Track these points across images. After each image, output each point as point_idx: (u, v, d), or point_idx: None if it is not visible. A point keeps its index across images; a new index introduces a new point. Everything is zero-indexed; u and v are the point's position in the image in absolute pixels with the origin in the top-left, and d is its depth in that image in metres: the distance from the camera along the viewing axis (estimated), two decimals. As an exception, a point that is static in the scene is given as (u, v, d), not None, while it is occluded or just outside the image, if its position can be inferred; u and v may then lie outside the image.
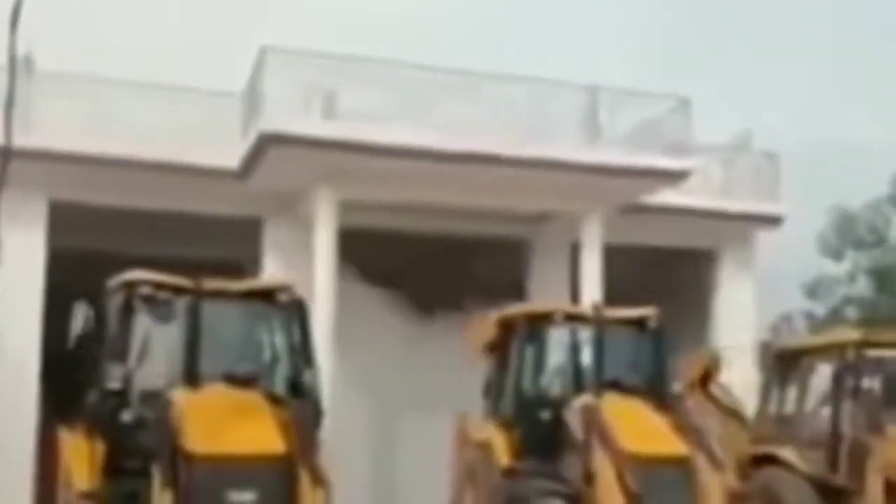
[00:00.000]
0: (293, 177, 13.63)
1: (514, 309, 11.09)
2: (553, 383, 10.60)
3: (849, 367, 10.30)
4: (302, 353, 8.40)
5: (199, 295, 8.18)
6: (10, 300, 13.31)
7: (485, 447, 10.36)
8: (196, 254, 12.92)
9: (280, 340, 8.55)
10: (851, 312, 28.43)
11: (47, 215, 13.88)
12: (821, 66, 37.40)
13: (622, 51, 32.40)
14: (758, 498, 10.12)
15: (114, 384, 7.95)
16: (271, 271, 14.28)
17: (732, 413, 11.67)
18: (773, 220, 17.10)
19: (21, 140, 11.04)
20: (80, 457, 8.03)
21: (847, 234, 29.27)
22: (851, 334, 10.89)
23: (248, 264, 14.67)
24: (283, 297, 8.40)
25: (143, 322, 8.16)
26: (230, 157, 13.72)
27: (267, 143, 12.94)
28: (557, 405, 10.08)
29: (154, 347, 8.14)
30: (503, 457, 10.09)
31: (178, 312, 8.14)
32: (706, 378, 11.80)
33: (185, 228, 14.19)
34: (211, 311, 8.20)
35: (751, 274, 17.34)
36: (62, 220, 13.79)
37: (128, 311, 8.18)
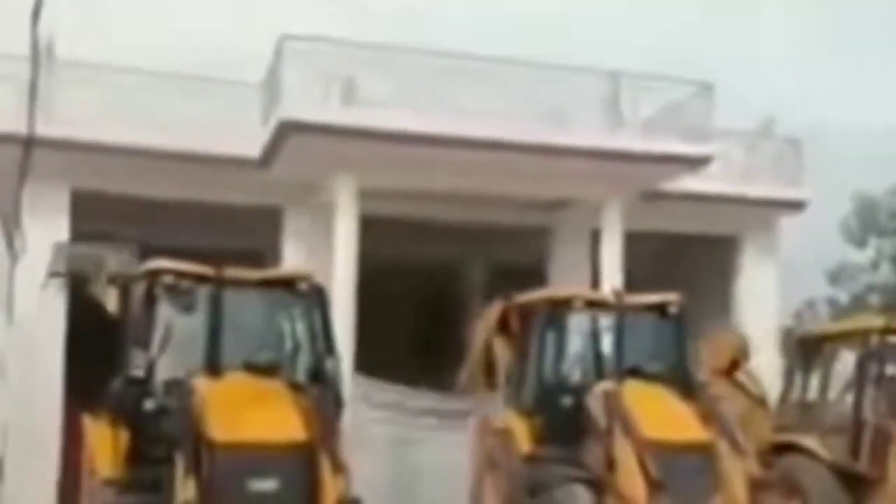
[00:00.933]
0: (313, 165, 13.65)
1: (535, 295, 11.10)
2: (574, 370, 10.59)
3: (872, 354, 10.22)
4: (323, 341, 8.44)
5: (220, 284, 8.22)
6: (34, 289, 13.42)
7: (505, 434, 10.37)
8: (216, 243, 12.96)
9: (301, 329, 8.60)
10: (874, 299, 28.26)
11: (70, 204, 13.96)
12: (844, 51, 37.08)
13: (644, 37, 32.22)
14: (779, 485, 10.07)
15: (137, 372, 8.01)
16: (291, 260, 14.31)
17: (758, 400, 11.61)
18: (795, 206, 16.96)
19: (43, 129, 11.16)
20: (104, 444, 8.10)
21: (870, 221, 29.06)
22: (875, 321, 10.80)
23: (268, 253, 14.71)
24: (303, 286, 8.44)
25: (165, 310, 8.21)
26: (251, 146, 13.75)
27: (286, 132, 12.95)
28: (578, 392, 10.08)
29: (176, 336, 8.17)
30: (524, 444, 10.10)
31: (199, 301, 8.18)
32: (734, 365, 11.75)
33: (206, 217, 14.24)
34: (232, 300, 8.24)
35: (773, 260, 17.22)
36: (84, 209, 13.87)
37: (150, 299, 8.23)
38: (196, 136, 13.59)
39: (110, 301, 9.05)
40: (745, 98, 19.44)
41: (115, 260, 9.46)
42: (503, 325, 10.99)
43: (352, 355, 12.61)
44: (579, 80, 14.33)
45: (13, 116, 11.07)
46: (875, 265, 29.43)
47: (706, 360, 11.53)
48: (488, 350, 11.02)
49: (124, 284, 8.76)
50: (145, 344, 8.11)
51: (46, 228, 13.50)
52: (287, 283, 8.59)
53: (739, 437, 10.14)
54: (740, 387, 11.72)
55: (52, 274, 11.02)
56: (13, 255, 13.09)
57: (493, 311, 11.11)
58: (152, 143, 13.35)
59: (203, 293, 8.18)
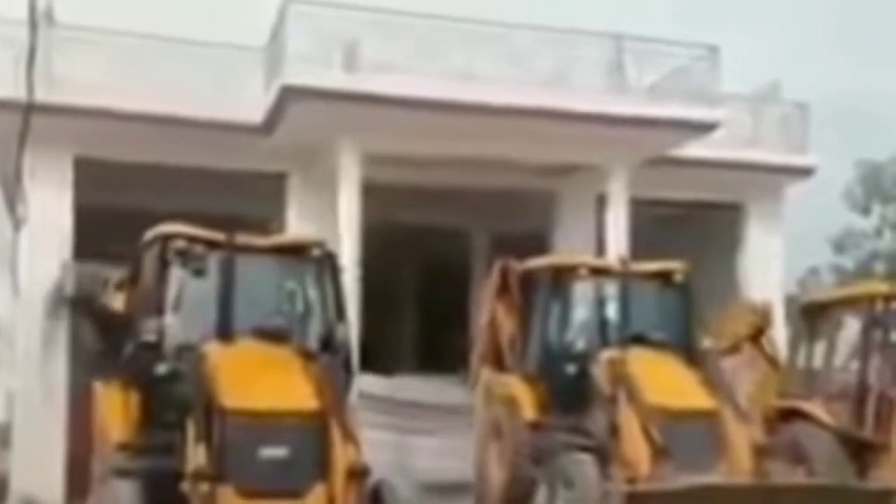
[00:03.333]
0: (316, 131, 13.56)
1: (539, 262, 11.05)
2: (578, 337, 10.57)
3: (876, 321, 10.21)
4: (334, 308, 8.41)
5: (232, 249, 8.17)
6: (38, 257, 13.40)
7: (510, 402, 10.37)
8: (220, 209, 12.92)
9: (312, 295, 8.54)
10: (879, 267, 28.22)
11: (73, 171, 13.90)
12: (848, 18, 36.68)
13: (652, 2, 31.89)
14: (784, 452, 10.09)
15: (149, 337, 7.98)
16: (295, 226, 14.26)
17: (778, 367, 11.62)
18: (802, 172, 16.85)
19: (44, 96, 11.05)
20: (116, 409, 8.10)
21: (874, 188, 28.95)
22: (879, 287, 10.79)
23: (272, 219, 14.67)
24: (315, 252, 8.40)
25: (177, 275, 8.14)
26: (254, 111, 13.67)
27: (289, 97, 12.86)
28: (583, 359, 10.06)
29: (188, 301, 8.12)
30: (528, 411, 10.11)
31: (211, 266, 8.12)
32: (758, 332, 11.75)
33: (209, 183, 14.17)
34: (244, 266, 8.19)
35: (779, 227, 17.14)
36: (87, 175, 13.81)
37: (162, 264, 8.18)
38: (199, 101, 13.48)
39: (118, 303, 9.04)
40: (748, 63, 19.27)
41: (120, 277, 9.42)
42: (503, 290, 10.95)
43: (356, 322, 12.59)
44: (583, 43, 14.19)
45: (12, 82, 10.97)
46: (879, 232, 29.37)
47: (727, 327, 11.53)
48: (493, 321, 10.98)
49: (136, 253, 8.72)
50: (157, 308, 8.08)
51: (49, 196, 13.47)
52: (299, 250, 8.52)
53: (742, 404, 10.15)
54: (766, 353, 11.73)
55: (59, 299, 11.04)
56: (16, 222, 13.04)
57: (493, 276, 11.06)
58: (155, 109, 13.25)
59: (215, 259, 8.13)
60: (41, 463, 12.78)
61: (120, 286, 9.15)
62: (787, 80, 17.25)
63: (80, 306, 12.20)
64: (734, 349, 11.58)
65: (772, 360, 11.63)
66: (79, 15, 13.54)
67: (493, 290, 11.03)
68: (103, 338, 9.50)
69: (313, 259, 8.43)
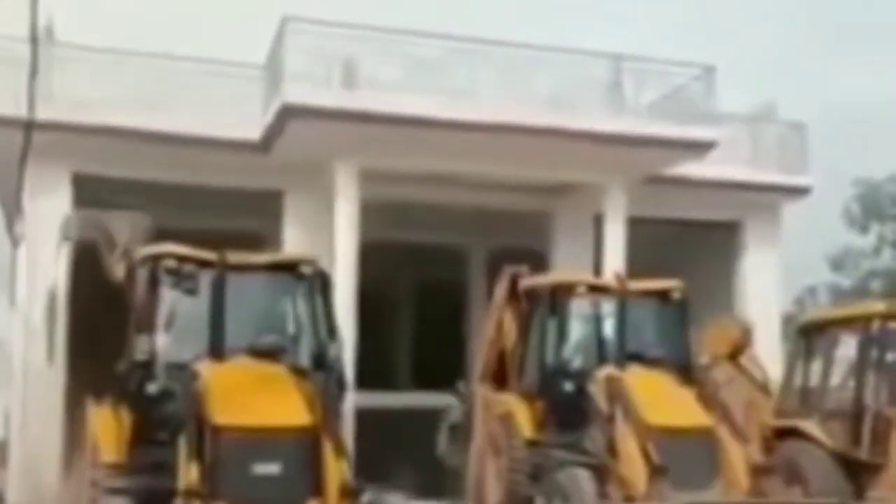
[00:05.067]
0: (314, 148, 13.60)
1: (538, 280, 11.06)
2: (576, 355, 10.58)
3: (873, 340, 10.20)
4: (325, 325, 8.43)
5: (223, 268, 8.20)
6: (36, 273, 13.40)
7: (507, 419, 10.37)
8: (217, 226, 12.94)
9: (304, 313, 8.59)
10: (877, 285, 28.22)
11: (71, 188, 13.92)
12: (846, 29, 36.75)
13: (645, 19, 32.04)
14: (780, 471, 10.07)
15: (141, 356, 8.02)
16: (292, 244, 14.28)
17: (761, 386, 11.60)
18: (799, 192, 16.91)
19: (44, 113, 11.09)
20: (108, 427, 8.12)
21: (872, 206, 28.99)
22: (876, 306, 10.78)
23: (269, 237, 14.68)
24: (306, 270, 8.43)
25: (168, 294, 8.20)
26: (252, 129, 13.70)
27: (287, 115, 12.90)
28: (580, 377, 10.06)
29: (180, 319, 8.19)
30: (526, 429, 10.11)
31: (202, 285, 8.17)
32: (736, 350, 11.73)
33: (207, 201, 14.20)
34: (235, 284, 8.24)
35: (775, 246, 17.17)
36: (85, 192, 13.82)
37: (154, 283, 8.23)
38: (197, 119, 13.53)
39: (119, 272, 9.02)
40: (742, 80, 19.35)
41: (129, 226, 9.40)
42: (512, 297, 10.92)
43: (353, 339, 12.59)
44: (582, 63, 14.26)
45: (12, 99, 11.01)
46: (877, 251, 29.38)
47: (708, 345, 11.51)
48: (499, 330, 10.94)
49: (129, 266, 8.73)
50: (149, 327, 8.11)
51: (48, 212, 13.47)
52: (290, 268, 8.57)
53: (740, 423, 10.14)
54: (744, 372, 11.70)
55: (65, 238, 10.96)
56: (14, 239, 13.06)
57: (503, 282, 11.02)
58: (153, 126, 13.30)
59: (206, 277, 8.17)
60: (37, 478, 12.74)
61: (126, 252, 9.05)
62: (784, 95, 17.34)
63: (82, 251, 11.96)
64: (712, 367, 11.53)
65: (753, 379, 11.59)
66: (78, 32, 13.60)
67: (501, 298, 10.99)
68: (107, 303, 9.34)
69: (305, 277, 8.48)
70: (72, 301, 13.10)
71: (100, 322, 9.68)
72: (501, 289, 10.99)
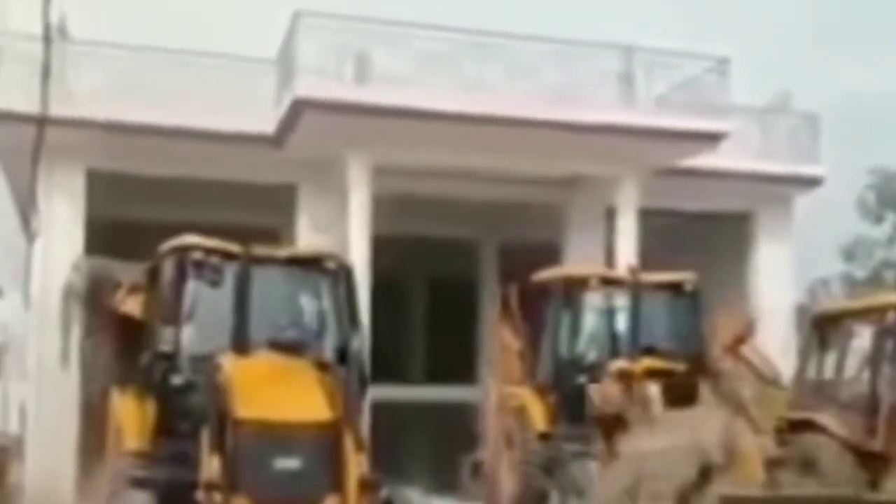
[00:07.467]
0: (327, 142, 13.63)
1: (550, 273, 11.08)
2: (589, 348, 10.59)
3: (888, 331, 10.16)
4: (348, 319, 8.45)
5: (248, 261, 8.21)
6: (51, 268, 13.46)
7: (521, 412, 10.40)
8: (231, 220, 12.95)
9: (327, 307, 8.60)
10: (891, 276, 28.07)
11: (85, 184, 13.98)
12: (858, 21, 36.59)
13: (658, 11, 31.95)
14: (795, 463, 10.05)
15: (165, 347, 8.04)
16: (306, 237, 14.32)
17: (766, 377, 11.57)
18: (811, 182, 16.84)
19: (58, 109, 11.15)
20: (132, 417, 8.15)
21: (887, 196, 28.82)
22: (892, 298, 10.73)
23: (282, 230, 14.72)
24: (330, 264, 8.44)
25: (193, 286, 8.22)
26: (265, 123, 13.73)
27: (300, 109, 12.93)
28: (593, 370, 10.07)
29: (204, 312, 8.20)
30: (539, 422, 10.14)
31: (227, 278, 8.17)
32: (738, 341, 11.70)
33: (221, 195, 14.24)
34: (260, 278, 8.23)
35: (788, 237, 17.12)
36: (99, 188, 13.89)
37: (179, 275, 8.24)
38: (211, 113, 13.56)
39: (134, 308, 9.08)
40: (758, 72, 19.26)
41: (132, 274, 9.45)
42: (505, 311, 10.99)
43: (367, 332, 12.61)
44: (594, 55, 14.23)
45: (27, 96, 11.07)
46: (891, 241, 29.21)
47: (718, 337, 11.49)
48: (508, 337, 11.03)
49: (153, 264, 8.76)
50: (174, 319, 8.13)
51: (62, 208, 13.55)
52: (314, 262, 8.57)
53: (756, 415, 10.11)
54: (748, 363, 11.67)
55: (70, 290, 11.09)
56: (30, 235, 13.13)
57: (496, 304, 11.14)
58: (166, 121, 13.34)
59: (231, 270, 8.17)
60: (54, 474, 12.82)
61: (133, 290, 9.16)
62: (798, 86, 17.25)
63: (91, 303, 12.12)
64: (718, 358, 11.50)
65: (757, 370, 11.55)
66: (91, 29, 13.64)
67: (506, 309, 11.07)
68: (116, 340, 9.48)
69: (329, 271, 8.48)
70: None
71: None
72: (493, 313, 11.10)
